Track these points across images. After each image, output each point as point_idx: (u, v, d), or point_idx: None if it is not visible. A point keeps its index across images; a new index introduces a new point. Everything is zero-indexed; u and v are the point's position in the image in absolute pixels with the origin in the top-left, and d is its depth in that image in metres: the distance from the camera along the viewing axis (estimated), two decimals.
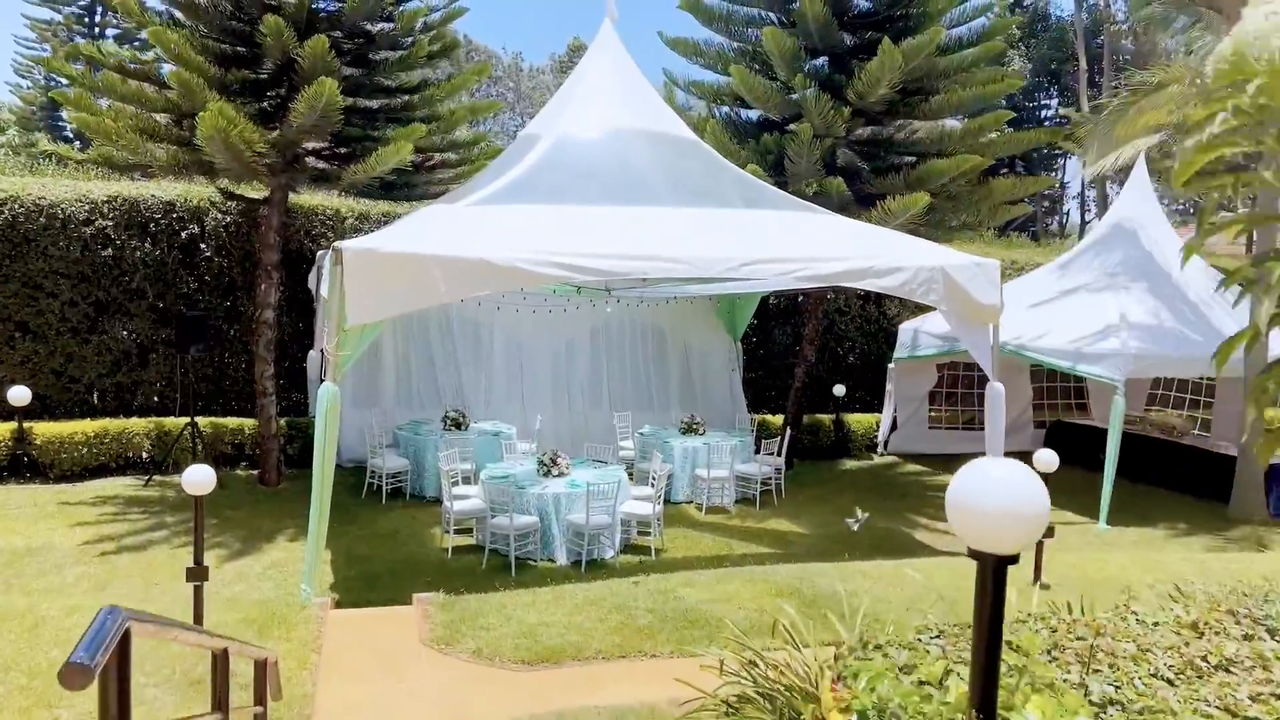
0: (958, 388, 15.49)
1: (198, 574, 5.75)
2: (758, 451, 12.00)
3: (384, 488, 10.90)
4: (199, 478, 5.72)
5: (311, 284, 12.02)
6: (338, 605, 7.41)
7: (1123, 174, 17.51)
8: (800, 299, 15.08)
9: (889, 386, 14.75)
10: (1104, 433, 10.64)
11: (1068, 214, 41.03)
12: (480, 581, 8.19)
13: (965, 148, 11.09)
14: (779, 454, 11.55)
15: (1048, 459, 7.56)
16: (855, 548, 9.76)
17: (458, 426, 11.53)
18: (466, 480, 10.63)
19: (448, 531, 9.12)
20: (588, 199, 8.78)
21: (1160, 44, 30.34)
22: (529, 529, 8.78)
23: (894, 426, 14.90)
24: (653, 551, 9.24)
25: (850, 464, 14.29)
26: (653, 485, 10.16)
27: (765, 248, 8.37)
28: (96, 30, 38.53)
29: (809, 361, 13.22)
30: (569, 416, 13.45)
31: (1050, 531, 7.69)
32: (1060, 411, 15.83)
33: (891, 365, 14.69)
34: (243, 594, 7.72)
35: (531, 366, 13.43)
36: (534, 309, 13.08)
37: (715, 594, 7.20)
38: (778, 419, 14.39)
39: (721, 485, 11.19)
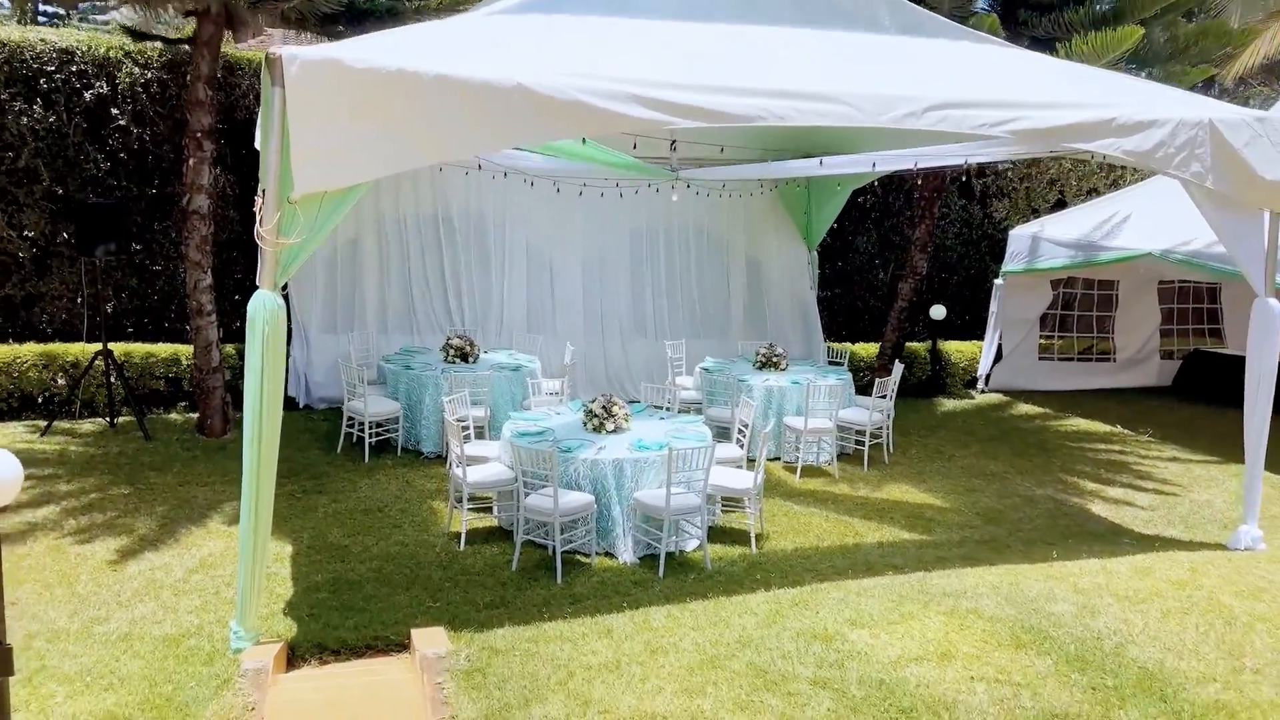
0: (1074, 309, 12.58)
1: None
2: (858, 392, 9.17)
3: (367, 440, 8.02)
4: None
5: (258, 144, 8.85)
6: (292, 648, 4.62)
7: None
8: (899, 192, 11.97)
9: (993, 308, 11.82)
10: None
11: None
12: (513, 593, 5.44)
13: None
14: (890, 396, 8.69)
15: None
16: (1024, 529, 7.00)
17: (464, 358, 8.62)
18: (479, 433, 7.77)
19: (457, 507, 6.30)
20: (671, 11, 5.72)
21: None
22: (581, 512, 5.93)
23: (998, 357, 12.03)
24: (752, 540, 6.42)
25: (949, 404, 11.44)
26: (741, 444, 7.33)
27: (953, 88, 5.34)
28: None
29: (919, 274, 10.21)
30: (603, 345, 10.49)
31: None
32: (1192, 339, 12.98)
33: (999, 281, 11.73)
34: (143, 626, 4.87)
35: (557, 279, 10.40)
36: (575, 195, 9.81)
37: (913, 643, 4.38)
38: (861, 349, 11.47)
39: (817, 439, 8.36)
